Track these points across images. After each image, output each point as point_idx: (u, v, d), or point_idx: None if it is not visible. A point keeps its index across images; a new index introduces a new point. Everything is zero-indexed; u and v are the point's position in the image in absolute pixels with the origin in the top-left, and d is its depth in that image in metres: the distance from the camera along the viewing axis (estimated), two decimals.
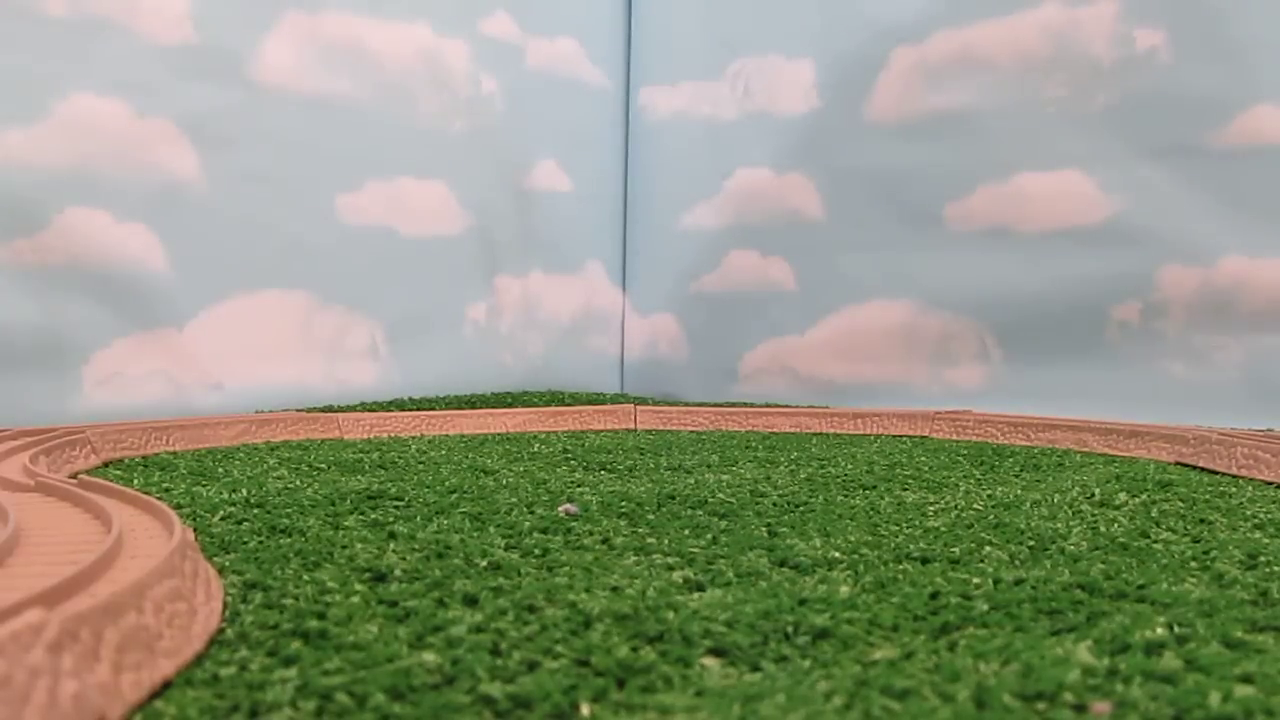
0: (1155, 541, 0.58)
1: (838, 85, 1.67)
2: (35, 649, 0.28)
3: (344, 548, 0.55)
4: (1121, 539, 0.59)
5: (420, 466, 0.93)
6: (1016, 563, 0.53)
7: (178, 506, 0.67)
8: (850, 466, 0.94)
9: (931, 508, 0.70)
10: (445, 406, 1.48)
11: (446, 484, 0.80)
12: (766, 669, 0.36)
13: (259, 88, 1.41)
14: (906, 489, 0.80)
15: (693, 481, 0.83)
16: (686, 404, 1.64)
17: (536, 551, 0.55)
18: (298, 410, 1.35)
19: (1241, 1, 1.31)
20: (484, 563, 0.51)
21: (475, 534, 0.59)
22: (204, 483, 0.81)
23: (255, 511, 0.66)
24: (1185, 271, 1.36)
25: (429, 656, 0.36)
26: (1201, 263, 1.35)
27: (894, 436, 1.28)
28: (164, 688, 0.34)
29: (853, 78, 1.65)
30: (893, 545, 0.57)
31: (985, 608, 0.43)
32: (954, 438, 1.24)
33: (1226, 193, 1.33)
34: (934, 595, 0.45)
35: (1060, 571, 0.50)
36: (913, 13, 1.58)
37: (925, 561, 0.53)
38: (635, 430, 1.41)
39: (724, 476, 0.87)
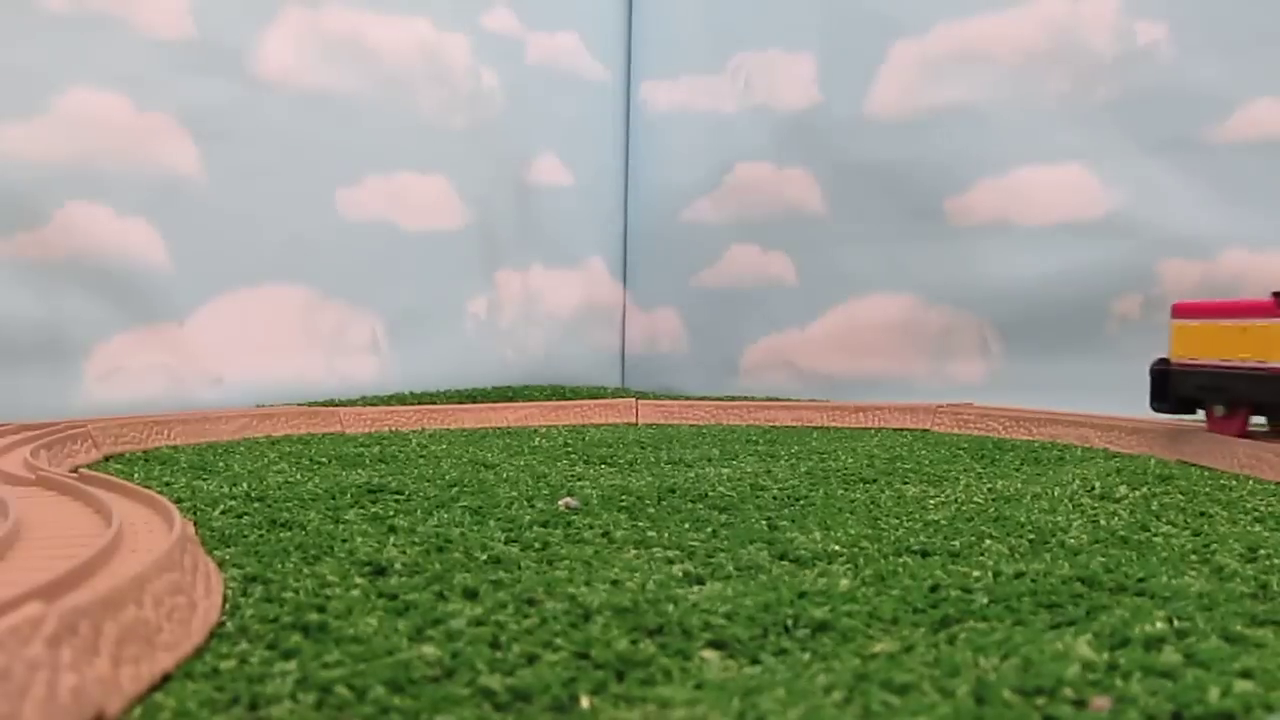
0: (1155, 535, 0.58)
1: (838, 79, 1.67)
2: (34, 642, 0.28)
3: (344, 541, 0.55)
4: (1122, 532, 0.59)
5: (421, 460, 0.93)
6: (1016, 556, 0.53)
7: (178, 500, 0.67)
8: (851, 460, 0.94)
9: (932, 501, 0.70)
10: (446, 401, 1.48)
11: (447, 478, 0.80)
12: (766, 662, 0.36)
13: (259, 82, 1.41)
14: (907, 482, 0.80)
15: (693, 475, 0.83)
16: (687, 398, 1.64)
17: (536, 545, 0.55)
18: (298, 404, 1.35)
19: None
20: (484, 556, 0.51)
21: (475, 528, 0.59)
22: (204, 477, 0.81)
23: (256, 505, 0.66)
24: (1186, 265, 1.35)
25: (429, 649, 0.36)
26: (1203, 256, 1.34)
27: (895, 430, 1.28)
28: (163, 681, 0.34)
29: (853, 72, 1.64)
30: (893, 538, 0.57)
31: (985, 601, 0.43)
32: (955, 431, 1.24)
33: (1228, 186, 1.33)
34: (934, 588, 0.45)
35: (1060, 565, 0.50)
36: (913, 6, 1.58)
37: (925, 555, 0.53)
38: (636, 424, 1.41)
39: (724, 470, 0.87)
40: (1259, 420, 0.94)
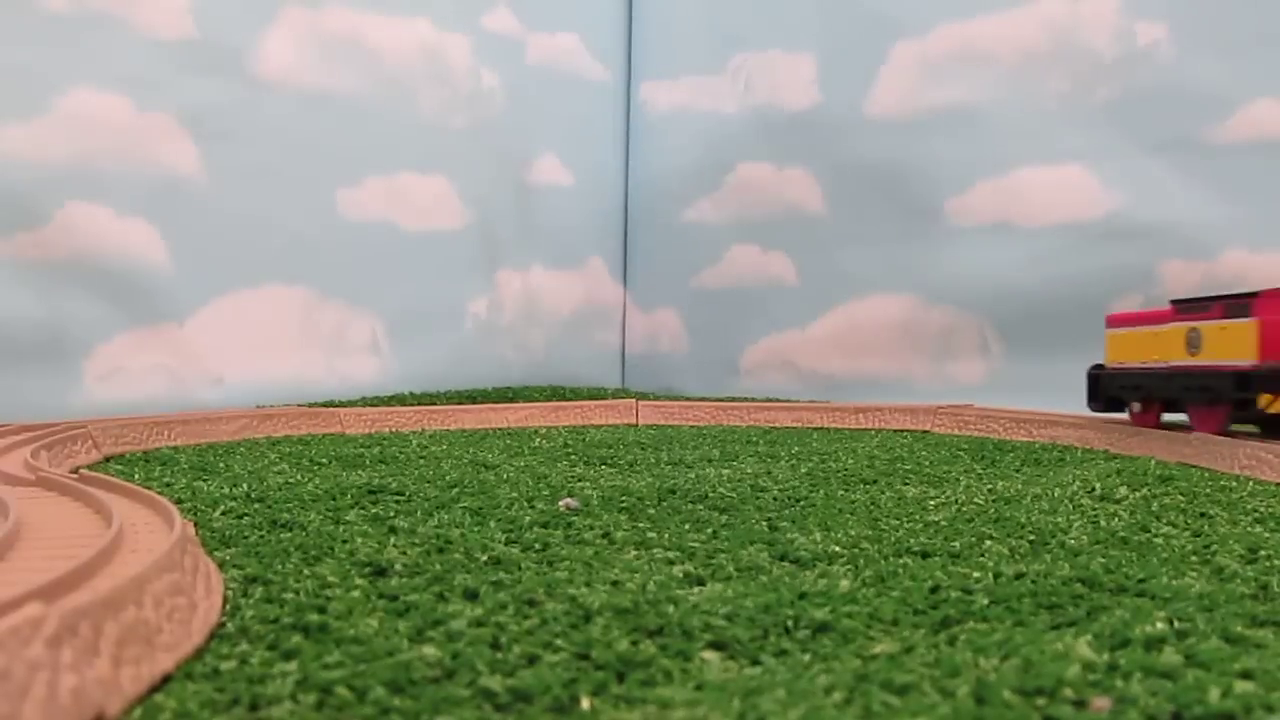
0: (1156, 536, 0.58)
1: (838, 79, 1.67)
2: (34, 643, 0.28)
3: (345, 542, 0.55)
4: (1122, 533, 0.59)
5: (421, 461, 0.93)
6: (1017, 557, 0.53)
7: (178, 501, 0.67)
8: (851, 461, 0.93)
9: (932, 502, 0.70)
10: (446, 401, 1.48)
11: (447, 479, 0.80)
12: (766, 663, 0.36)
13: (259, 82, 1.41)
14: (907, 484, 0.80)
15: (693, 476, 0.83)
16: (688, 399, 1.64)
17: (537, 546, 0.55)
18: (299, 405, 1.35)
19: None
20: (484, 557, 0.51)
21: (476, 529, 0.59)
22: (205, 477, 0.81)
23: (256, 506, 0.66)
24: (1187, 265, 1.35)
25: (429, 650, 0.36)
26: (1203, 257, 1.34)
27: (895, 431, 1.28)
28: (164, 682, 0.34)
29: (854, 72, 1.65)
30: (893, 539, 0.57)
31: (985, 602, 0.43)
32: (955, 432, 1.24)
33: (1228, 186, 1.33)
34: (934, 589, 0.45)
35: (1060, 565, 0.50)
36: (913, 6, 1.58)
37: (925, 556, 0.53)
38: (636, 425, 1.41)
39: (725, 471, 0.87)
40: (1180, 418, 1.00)
